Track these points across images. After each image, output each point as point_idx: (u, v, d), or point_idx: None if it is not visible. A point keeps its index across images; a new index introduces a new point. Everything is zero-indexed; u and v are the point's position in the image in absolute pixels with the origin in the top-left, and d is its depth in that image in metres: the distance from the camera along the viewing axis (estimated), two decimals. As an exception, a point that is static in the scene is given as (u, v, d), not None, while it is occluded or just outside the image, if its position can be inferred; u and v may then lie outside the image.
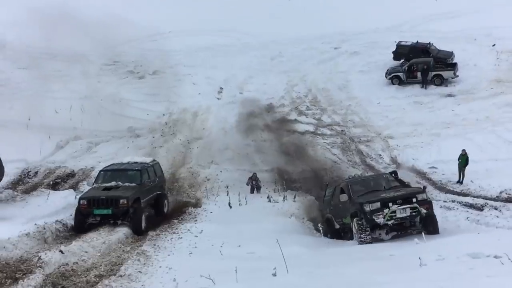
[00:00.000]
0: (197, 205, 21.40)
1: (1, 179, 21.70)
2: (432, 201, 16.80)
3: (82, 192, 22.71)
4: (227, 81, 38.01)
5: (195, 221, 18.90)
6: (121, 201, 17.85)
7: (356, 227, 15.68)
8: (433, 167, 24.48)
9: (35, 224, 16.65)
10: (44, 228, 16.61)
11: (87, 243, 15.29)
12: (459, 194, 21.64)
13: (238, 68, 39.14)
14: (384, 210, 15.34)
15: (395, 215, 15.28)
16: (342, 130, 30.07)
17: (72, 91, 34.55)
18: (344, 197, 17.06)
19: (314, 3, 50.64)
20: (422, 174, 24.09)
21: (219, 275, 9.98)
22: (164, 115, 34.32)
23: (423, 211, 15.40)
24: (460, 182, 22.68)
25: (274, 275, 9.73)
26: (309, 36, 43.28)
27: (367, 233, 15.40)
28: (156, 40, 44.37)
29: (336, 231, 18.52)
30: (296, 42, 42.77)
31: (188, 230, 17.15)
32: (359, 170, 23.95)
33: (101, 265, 13.24)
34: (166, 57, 41.02)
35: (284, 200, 21.63)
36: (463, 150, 22.46)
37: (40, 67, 37.37)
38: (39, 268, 12.49)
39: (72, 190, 23.03)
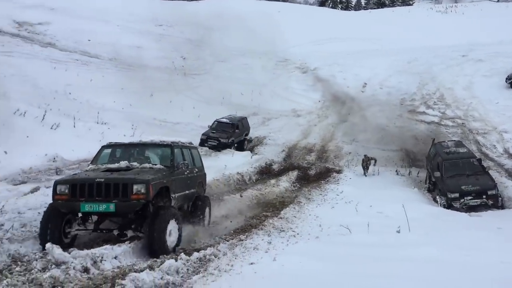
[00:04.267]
0: (339, 171, 21.21)
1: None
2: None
3: (256, 154, 23.83)
4: (370, 78, 36.72)
5: (337, 183, 18.72)
6: (135, 188, 7.86)
7: (439, 201, 16.07)
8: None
9: (223, 173, 17.62)
10: (229, 177, 17.52)
11: (258, 190, 15.94)
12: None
13: (380, 68, 37.69)
14: (460, 200, 15.60)
15: (468, 204, 15.52)
16: (462, 123, 27.86)
17: (254, 79, 35.68)
18: (437, 174, 17.01)
19: (447, 19, 47.51)
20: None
21: (354, 227, 9.87)
22: (319, 101, 34.40)
23: (490, 203, 15.43)
24: None
25: (398, 232, 9.44)
26: (441, 45, 40.49)
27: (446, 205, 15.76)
28: (320, 44, 44.14)
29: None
30: (430, 50, 40.11)
31: (332, 190, 17.05)
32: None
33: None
34: (324, 57, 40.83)
35: (409, 174, 20.77)
36: None
37: (233, 60, 39.11)
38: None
39: (249, 152, 24.03)
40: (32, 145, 14.83)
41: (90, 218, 8.60)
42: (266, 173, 20.56)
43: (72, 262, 6.70)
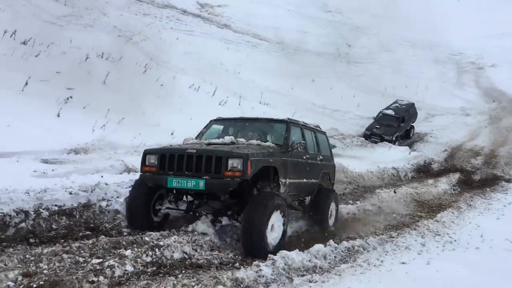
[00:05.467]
0: (509, 181, 19.09)
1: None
2: None
3: (415, 151, 22.66)
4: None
5: (505, 193, 16.83)
6: (230, 162, 6.52)
7: None
8: None
9: (378, 166, 17.16)
10: (384, 171, 17.02)
11: (413, 189, 15.19)
12: None
13: None
14: None
15: None
16: None
17: (421, 72, 33.88)
18: None
19: None
20: None
21: (522, 243, 8.87)
22: (494, 101, 31.30)
23: None
24: None
25: None
26: None
27: None
28: (501, 39, 39.86)
29: None
30: None
31: (498, 199, 15.39)
32: None
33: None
34: (505, 54, 36.83)
35: None
36: None
37: (400, 51, 37.50)
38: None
39: (407, 147, 22.99)
40: (205, 116, 16.17)
41: (185, 197, 7.63)
42: (424, 171, 19.49)
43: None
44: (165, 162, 6.88)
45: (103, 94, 15.50)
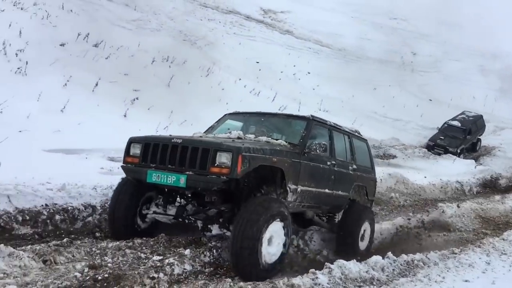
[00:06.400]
0: None
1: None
2: None
3: (481, 164, 21.56)
4: None
5: None
6: (218, 156, 5.38)
7: None
8: None
9: (440, 179, 16.57)
10: (447, 184, 16.41)
11: (478, 204, 14.51)
12: None
13: None
14: None
15: None
16: None
17: (491, 83, 32.42)
18: None
19: None
20: None
21: None
22: None
23: None
24: None
25: None
26: None
27: None
28: None
29: None
30: None
31: None
32: None
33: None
34: None
35: None
36: None
37: (468, 60, 36.03)
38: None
39: (473, 160, 22.03)
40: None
41: (179, 199, 6.56)
42: (490, 187, 18.57)
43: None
44: (148, 152, 5.91)
45: (167, 96, 15.99)
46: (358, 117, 22.85)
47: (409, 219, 10.65)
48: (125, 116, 13.65)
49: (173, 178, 5.59)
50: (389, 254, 7.17)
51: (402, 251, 7.49)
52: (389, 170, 15.17)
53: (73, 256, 5.41)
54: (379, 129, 22.81)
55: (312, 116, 7.17)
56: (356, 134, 8.60)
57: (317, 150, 6.55)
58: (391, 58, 33.79)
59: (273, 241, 5.53)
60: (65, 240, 5.83)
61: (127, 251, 5.68)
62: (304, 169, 6.43)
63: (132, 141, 6.17)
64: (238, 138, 6.37)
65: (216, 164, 5.39)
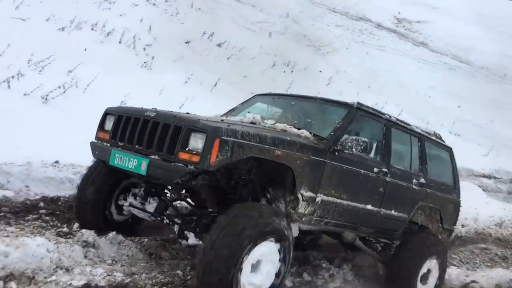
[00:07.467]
0: None
1: None
2: None
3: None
4: None
5: None
6: (192, 138, 4.14)
7: None
8: None
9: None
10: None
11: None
12: None
13: None
14: None
15: None
16: None
17: None
18: None
19: None
20: None
21: None
22: None
23: None
24: None
25: None
26: None
27: None
28: None
29: None
30: None
31: None
32: None
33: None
34: None
35: None
36: None
37: None
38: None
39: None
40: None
41: (117, 177, 5.40)
42: None
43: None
44: (119, 127, 4.89)
45: (284, 102, 16.21)
46: (495, 145, 21.27)
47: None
48: (239, 119, 14.04)
49: (135, 162, 4.46)
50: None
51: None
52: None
53: (177, 253, 5.71)
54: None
55: (358, 103, 5.68)
56: (433, 138, 6.78)
57: (353, 149, 4.99)
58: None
59: (261, 268, 4.16)
60: (171, 236, 5.90)
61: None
62: (331, 172, 4.92)
63: (107, 113, 5.17)
64: (252, 122, 5.08)
65: (187, 149, 4.15)
